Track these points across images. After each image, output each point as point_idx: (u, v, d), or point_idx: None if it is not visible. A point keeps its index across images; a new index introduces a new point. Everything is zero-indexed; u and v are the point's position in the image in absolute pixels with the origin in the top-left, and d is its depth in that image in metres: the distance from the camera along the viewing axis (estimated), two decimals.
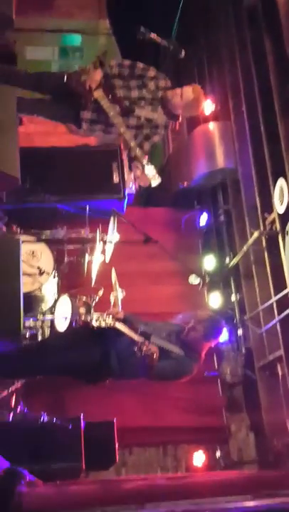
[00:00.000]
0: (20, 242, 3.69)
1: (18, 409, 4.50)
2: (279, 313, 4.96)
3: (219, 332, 3.85)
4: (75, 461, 3.99)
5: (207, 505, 2.84)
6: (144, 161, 3.61)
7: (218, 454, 5.36)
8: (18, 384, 4.60)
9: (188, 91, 3.97)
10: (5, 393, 4.47)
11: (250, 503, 2.75)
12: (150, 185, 3.72)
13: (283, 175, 4.82)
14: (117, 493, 3.07)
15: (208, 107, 5.94)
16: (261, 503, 2.66)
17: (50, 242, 4.99)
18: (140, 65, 3.98)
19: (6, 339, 3.54)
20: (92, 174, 5.18)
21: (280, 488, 3.37)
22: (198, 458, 5.20)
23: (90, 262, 5.01)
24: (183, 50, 3.86)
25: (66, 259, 5.22)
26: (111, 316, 3.81)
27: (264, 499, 2.93)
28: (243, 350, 5.74)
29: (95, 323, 3.75)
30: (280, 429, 4.98)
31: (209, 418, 5.39)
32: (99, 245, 4.87)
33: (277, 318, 4.99)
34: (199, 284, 5.73)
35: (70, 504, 2.88)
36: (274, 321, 5.05)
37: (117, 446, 4.34)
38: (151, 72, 3.97)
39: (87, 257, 5.06)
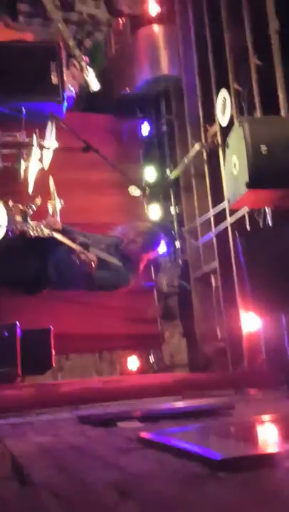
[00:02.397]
0: None
1: None
2: (216, 227, 5.06)
3: (157, 244, 3.89)
4: (11, 366, 4.07)
5: (139, 405, 3.00)
6: (83, 61, 3.43)
7: (151, 358, 5.62)
8: None
9: None
10: None
11: (180, 404, 2.93)
12: (89, 88, 3.55)
13: (226, 86, 4.72)
14: (52, 396, 3.18)
15: (153, 6, 5.63)
16: (190, 404, 2.84)
17: None
18: None
19: None
20: (28, 73, 4.81)
21: (207, 389, 3.60)
22: (133, 362, 5.45)
23: (26, 169, 4.83)
24: None
25: (0, 164, 5.00)
26: (49, 225, 3.75)
27: (193, 400, 3.12)
28: (180, 262, 5.88)
29: (32, 233, 3.68)
30: (211, 336, 5.25)
31: (144, 326, 5.59)
32: (36, 151, 4.68)
33: (213, 231, 5.10)
34: (139, 195, 5.70)
35: (6, 407, 2.96)
36: (210, 234, 5.16)
37: (53, 352, 4.45)
38: None
39: (23, 163, 4.87)
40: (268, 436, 1.90)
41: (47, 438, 2.07)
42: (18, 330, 4.22)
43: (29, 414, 2.92)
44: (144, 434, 1.80)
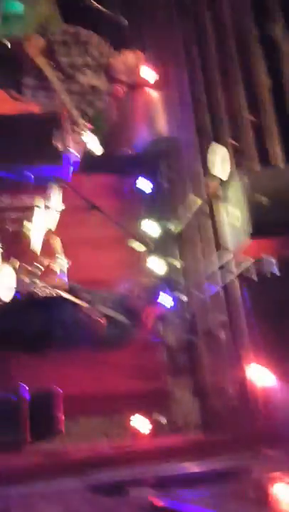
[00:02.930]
0: None
1: None
2: (221, 279, 5.05)
3: (160, 301, 3.88)
4: (18, 433, 3.96)
5: (152, 471, 2.90)
6: (85, 128, 3.57)
7: (162, 419, 5.47)
8: None
9: (131, 56, 3.96)
10: None
11: (194, 467, 2.83)
12: (92, 152, 3.68)
13: (223, 142, 4.85)
14: (61, 464, 3.09)
15: (150, 75, 5.88)
16: (205, 467, 2.75)
17: None
18: (83, 31, 3.91)
19: None
20: (34, 141, 5.02)
21: (221, 450, 3.50)
22: (143, 424, 5.29)
23: (33, 230, 4.90)
24: (125, 19, 3.85)
25: (8, 227, 5.07)
26: (55, 284, 3.76)
27: (207, 462, 3.03)
28: (187, 316, 5.84)
29: (39, 293, 3.70)
30: (222, 392, 5.13)
31: (153, 384, 5.47)
32: (41, 213, 4.77)
33: (220, 283, 5.08)
34: (143, 250, 5.75)
35: (14, 477, 2.87)
36: (217, 287, 5.14)
37: (61, 416, 4.34)
38: (94, 38, 3.92)
39: (29, 225, 4.95)
40: (287, 499, 1.82)
41: (57, 508, 1.98)
42: (26, 393, 4.13)
43: (37, 482, 2.82)
44: (158, 502, 1.72)
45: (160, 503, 1.67)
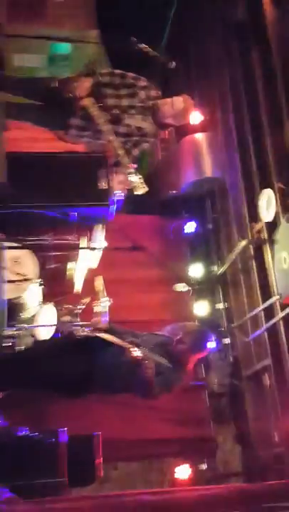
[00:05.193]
0: (4, 248, 3.61)
1: None
2: (266, 322, 4.94)
3: (206, 344, 3.79)
4: (57, 477, 3.87)
5: None
6: (131, 169, 3.59)
7: (204, 466, 5.29)
8: None
9: (179, 101, 3.99)
10: None
11: None
12: (136, 192, 3.69)
13: (270, 185, 4.84)
14: (102, 510, 2.99)
15: (197, 117, 5.97)
16: None
17: (36, 249, 4.91)
18: (131, 74, 3.98)
19: None
20: (79, 180, 5.14)
21: (266, 501, 3.33)
22: (184, 471, 5.10)
23: (76, 270, 4.94)
24: (173, 62, 3.89)
25: (52, 266, 5.14)
26: (96, 325, 3.73)
27: None
28: (231, 359, 5.70)
29: (80, 333, 3.67)
30: (267, 439, 4.95)
31: (195, 429, 5.32)
32: (85, 252, 4.81)
33: (264, 326, 4.97)
34: (187, 292, 5.70)
35: None
36: (261, 330, 5.02)
37: (100, 460, 4.24)
38: (142, 81, 3.98)
39: (73, 264, 5.00)
40: None
41: None
42: (64, 436, 4.06)
43: None
44: None
45: None
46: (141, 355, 3.25)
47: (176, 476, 5.09)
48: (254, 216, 5.19)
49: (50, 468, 3.89)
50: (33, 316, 4.74)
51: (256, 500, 3.38)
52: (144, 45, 3.78)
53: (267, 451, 4.95)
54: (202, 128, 6.05)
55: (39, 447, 3.96)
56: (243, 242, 5.25)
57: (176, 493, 3.64)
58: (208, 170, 5.81)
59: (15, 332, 4.57)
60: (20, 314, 4.70)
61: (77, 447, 4.10)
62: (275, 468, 4.76)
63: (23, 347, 4.53)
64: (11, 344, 4.54)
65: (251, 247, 5.25)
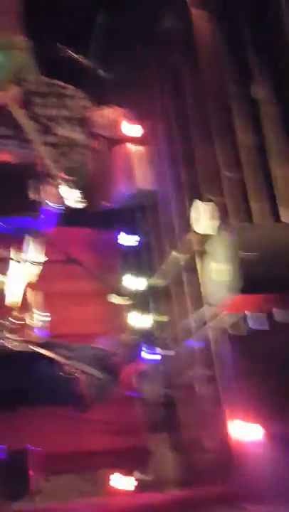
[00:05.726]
0: None
1: None
2: (197, 332, 5.00)
3: (140, 356, 3.81)
4: None
5: None
6: (61, 181, 3.57)
7: (138, 475, 5.26)
8: None
9: (110, 111, 4.01)
10: None
11: None
12: (69, 204, 3.67)
13: (200, 197, 4.92)
14: None
15: (128, 129, 6.01)
16: None
17: None
18: (59, 83, 3.97)
19: None
20: (7, 190, 5.04)
21: (200, 506, 3.36)
22: (118, 481, 5.06)
23: (7, 283, 4.83)
24: (101, 70, 3.91)
25: None
26: (30, 339, 3.68)
27: None
28: (163, 370, 5.73)
29: (11, 347, 3.60)
30: (199, 446, 4.99)
31: (129, 439, 5.30)
32: (15, 264, 4.72)
33: (195, 336, 5.03)
34: (120, 303, 5.70)
35: None
36: (192, 340, 5.08)
37: (31, 474, 4.14)
38: (71, 90, 3.97)
39: (4, 278, 4.88)
40: None
41: None
42: (2, 453, 3.93)
43: None
44: None
45: None
46: (74, 368, 3.24)
47: (110, 485, 5.03)
48: (185, 228, 5.27)
49: None
50: None
51: (190, 506, 3.41)
52: (71, 52, 3.78)
53: (199, 457, 4.99)
54: (134, 140, 6.10)
55: None
56: (175, 254, 5.32)
57: (111, 502, 3.61)
58: (140, 182, 5.86)
59: None
60: None
61: (9, 461, 3.99)
62: (207, 473, 4.79)
63: None
64: None
65: (182, 258, 5.32)
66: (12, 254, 4.77)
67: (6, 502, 4.10)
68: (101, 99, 4.80)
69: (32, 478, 4.10)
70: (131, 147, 5.99)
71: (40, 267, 4.77)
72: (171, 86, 5.56)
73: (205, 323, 4.84)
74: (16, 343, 3.59)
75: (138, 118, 6.17)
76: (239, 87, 4.64)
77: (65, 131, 3.89)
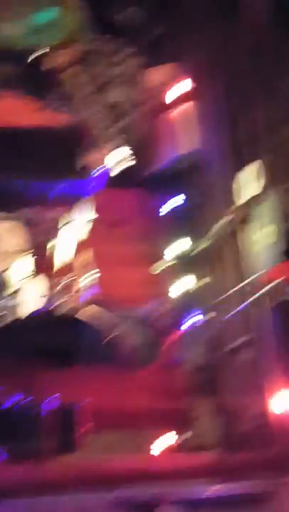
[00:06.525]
0: None
1: None
2: (247, 299, 4.98)
3: (184, 320, 3.82)
4: (40, 444, 3.94)
5: (174, 489, 2.84)
6: (113, 143, 3.54)
7: (182, 437, 5.38)
8: None
9: (163, 72, 3.91)
10: None
11: (218, 488, 2.76)
12: (119, 167, 3.64)
13: (255, 160, 4.81)
14: (81, 477, 3.04)
15: (181, 88, 5.87)
16: (229, 488, 2.67)
17: (19, 223, 4.87)
18: (113, 43, 3.88)
19: None
20: (60, 154, 5.06)
21: (243, 472, 3.41)
22: (163, 441, 5.21)
23: (60, 244, 4.92)
24: (157, 28, 3.80)
25: (38, 239, 5.10)
26: (79, 299, 3.74)
27: (230, 483, 2.95)
28: (210, 335, 5.76)
29: (63, 308, 3.68)
30: (243, 413, 5.04)
31: (172, 402, 5.40)
32: (68, 227, 4.78)
33: (245, 302, 5.02)
34: (169, 267, 5.71)
35: (36, 489, 2.84)
36: (242, 306, 5.07)
37: (82, 428, 4.30)
38: (127, 50, 3.88)
39: (56, 239, 4.96)
40: None
41: None
42: (48, 405, 4.11)
43: (60, 495, 2.77)
44: None
45: None
46: (124, 329, 3.28)
47: (152, 445, 5.18)
48: (238, 191, 5.19)
49: (35, 435, 3.95)
50: (21, 288, 4.73)
51: (229, 470, 3.47)
52: (128, 11, 3.68)
53: (244, 424, 5.05)
54: (187, 99, 5.97)
55: (24, 415, 4.00)
56: (226, 218, 5.26)
57: (155, 461, 3.72)
58: (193, 144, 5.76)
59: (4, 303, 4.56)
60: (8, 287, 4.68)
61: (60, 416, 4.15)
62: (253, 441, 4.85)
63: (11, 318, 4.52)
64: (0, 315, 4.53)
65: (234, 223, 5.26)
66: (63, 217, 4.82)
67: (52, 455, 4.29)
68: (155, 60, 4.68)
69: (78, 433, 4.25)
70: (184, 107, 5.87)
71: (89, 229, 4.80)
72: (219, 42, 5.38)
73: (250, 289, 4.82)
74: (66, 304, 3.67)
75: (193, 77, 6.02)
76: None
77: (119, 92, 3.83)
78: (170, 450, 5.15)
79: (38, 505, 2.42)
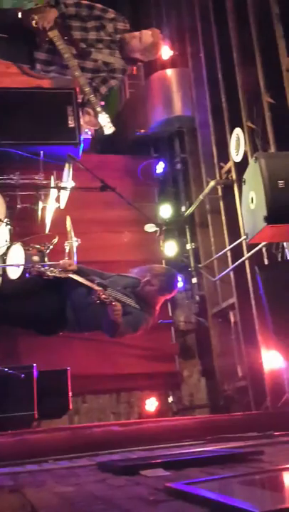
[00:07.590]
0: None
1: None
2: (233, 262, 5.03)
3: (174, 286, 3.83)
4: (28, 410, 3.99)
5: (161, 451, 2.90)
6: (98, 107, 3.46)
7: (170, 399, 5.50)
8: None
9: (148, 34, 3.79)
10: None
11: (204, 449, 2.83)
12: (105, 132, 3.57)
13: (240, 124, 4.78)
14: (70, 442, 3.10)
15: (166, 52, 5.79)
16: (215, 449, 2.74)
17: (1, 188, 4.81)
18: (98, 5, 3.75)
19: None
20: (46, 118, 4.95)
21: (230, 431, 3.49)
22: (151, 404, 5.33)
23: (43, 209, 4.88)
24: None
25: (19, 205, 5.06)
26: (64, 266, 3.71)
27: (217, 444, 3.02)
28: (197, 298, 5.83)
29: (49, 273, 3.65)
30: (231, 374, 5.15)
31: (162, 364, 5.50)
32: (53, 192, 4.73)
33: (231, 266, 5.06)
34: (155, 232, 5.72)
35: (23, 453, 2.89)
36: (228, 270, 5.12)
37: (70, 394, 4.36)
38: (110, 13, 3.75)
39: (41, 204, 4.93)
40: None
41: (68, 488, 1.99)
42: (35, 371, 4.15)
43: (46, 460, 2.83)
44: (171, 484, 1.71)
45: (175, 486, 1.65)
46: (109, 296, 3.27)
47: (143, 408, 5.30)
48: (223, 156, 5.16)
49: (21, 402, 4.00)
50: (2, 255, 4.71)
51: (220, 430, 3.55)
52: None
53: (231, 384, 5.16)
54: (171, 63, 5.90)
55: (10, 382, 4.04)
56: (212, 183, 5.25)
57: (144, 424, 3.78)
58: (178, 108, 5.72)
59: None
60: None
61: (48, 381, 4.21)
62: (239, 400, 4.97)
63: None
64: None
65: (220, 187, 5.25)
66: (51, 182, 4.77)
67: (45, 420, 4.37)
68: (139, 22, 4.58)
69: (70, 398, 4.32)
70: (169, 71, 5.81)
71: (72, 193, 4.76)
72: (211, 5, 5.29)
73: (240, 253, 4.85)
74: (52, 270, 3.64)
75: (177, 41, 5.92)
76: (281, 6, 4.37)
77: (103, 56, 3.72)
78: (158, 412, 5.27)
79: (24, 472, 2.47)
